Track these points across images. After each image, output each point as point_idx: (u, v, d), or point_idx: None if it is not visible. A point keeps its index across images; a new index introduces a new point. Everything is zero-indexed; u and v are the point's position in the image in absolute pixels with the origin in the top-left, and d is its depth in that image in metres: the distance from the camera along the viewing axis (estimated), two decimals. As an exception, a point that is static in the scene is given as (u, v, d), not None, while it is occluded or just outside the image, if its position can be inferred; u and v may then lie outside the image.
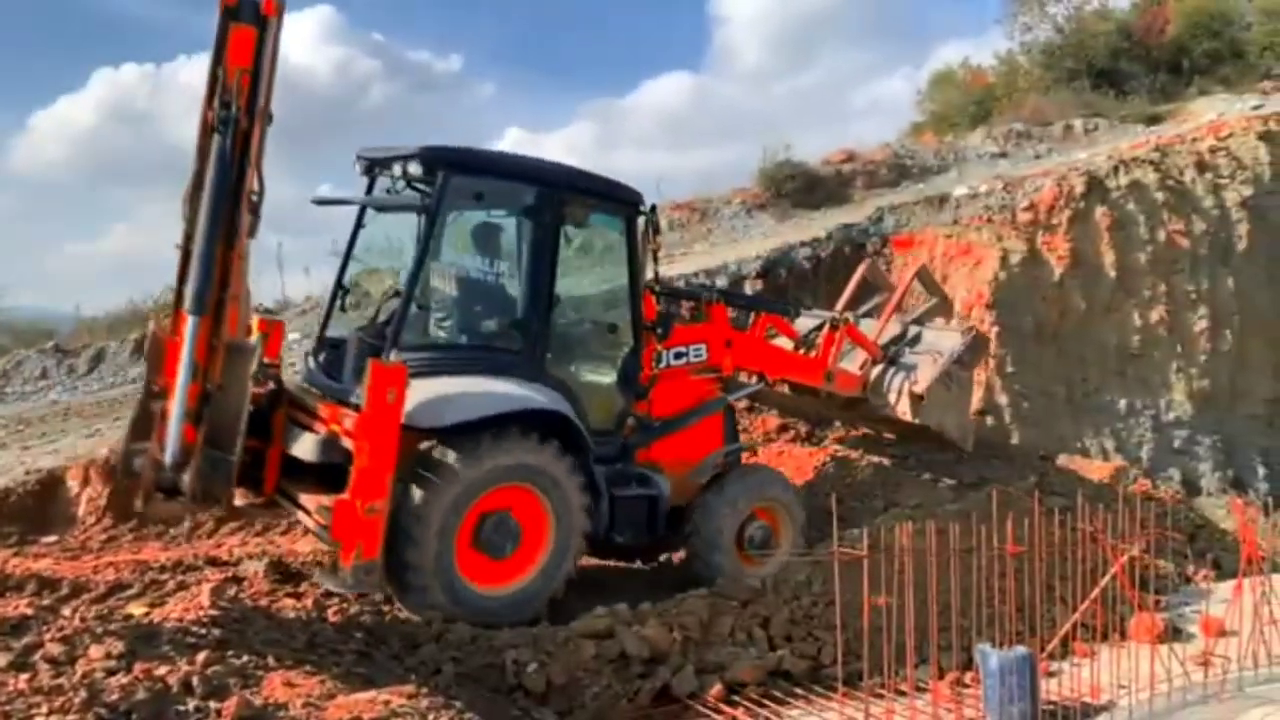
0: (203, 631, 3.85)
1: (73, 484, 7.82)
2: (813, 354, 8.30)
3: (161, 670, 3.06)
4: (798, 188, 15.56)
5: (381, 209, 6.57)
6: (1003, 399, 11.56)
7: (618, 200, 6.69)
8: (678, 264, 12.99)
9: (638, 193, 6.77)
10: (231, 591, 4.86)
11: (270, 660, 3.75)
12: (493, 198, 6.45)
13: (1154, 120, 17.56)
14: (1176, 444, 12.56)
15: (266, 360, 6.47)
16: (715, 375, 7.38)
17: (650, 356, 6.93)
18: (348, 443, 5.55)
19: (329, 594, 5.63)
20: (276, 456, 6.07)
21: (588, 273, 7.74)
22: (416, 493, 5.63)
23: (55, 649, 3.08)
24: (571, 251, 7.14)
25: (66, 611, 3.48)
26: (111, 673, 2.99)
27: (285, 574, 6.28)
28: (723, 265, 12.01)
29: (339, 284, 6.74)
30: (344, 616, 4.88)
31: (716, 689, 5.29)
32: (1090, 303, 12.39)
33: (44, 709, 2.69)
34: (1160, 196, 12.97)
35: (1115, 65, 20.67)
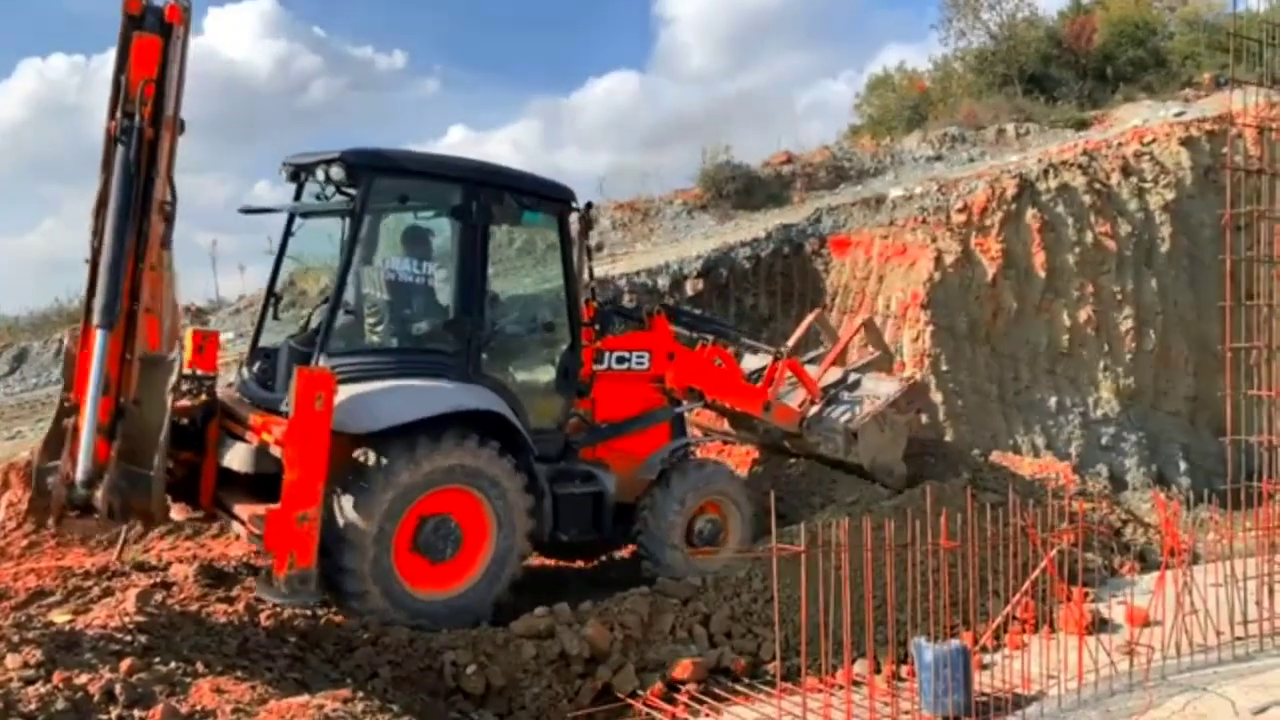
0: (128, 638, 3.73)
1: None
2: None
3: (83, 679, 2.95)
4: (738, 189, 15.69)
5: (307, 215, 6.46)
6: (937, 397, 11.78)
7: (549, 198, 6.63)
8: (620, 263, 13.01)
9: (569, 190, 6.73)
10: (159, 597, 4.72)
11: (199, 666, 3.66)
12: (418, 199, 6.38)
13: (1082, 125, 18.07)
14: (1104, 440, 12.94)
15: (201, 372, 6.32)
16: (660, 385, 7.39)
17: (590, 355, 6.91)
18: (278, 452, 5.43)
19: (260, 599, 5.50)
20: (211, 469, 5.95)
21: (522, 272, 7.72)
22: (351, 499, 5.54)
23: (-31, 659, 2.95)
24: (505, 250, 7.12)
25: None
26: (29, 682, 2.88)
27: (217, 578, 6.12)
28: (664, 265, 12.05)
29: (270, 292, 6.63)
30: (277, 621, 4.77)
31: (657, 687, 5.30)
32: (1021, 302, 12.70)
33: (-44, 721, 2.58)
34: (1088, 199, 13.34)
35: (1046, 71, 21.23)
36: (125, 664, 3.21)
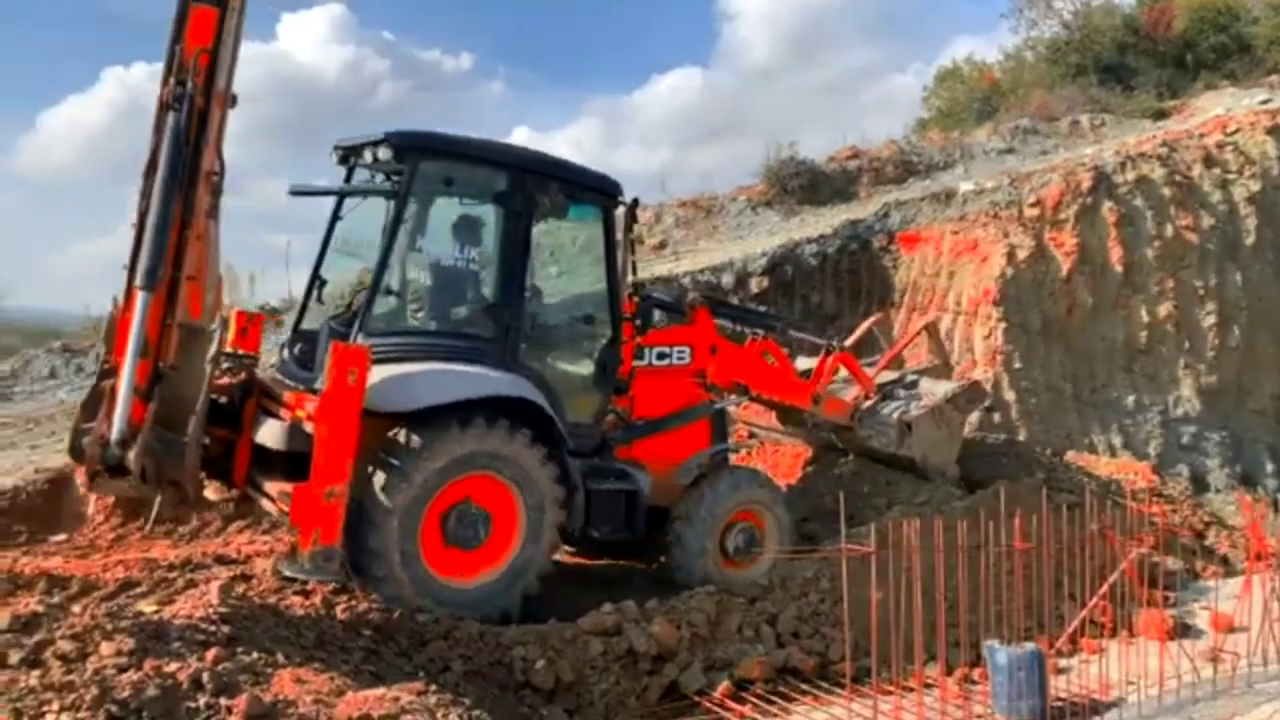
0: (212, 629, 3.85)
1: (81, 483, 7.82)
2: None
3: (172, 667, 3.06)
4: (803, 185, 15.54)
5: (352, 196, 6.46)
6: (1009, 395, 11.53)
7: (595, 190, 6.60)
8: (683, 261, 12.99)
9: (616, 183, 6.69)
10: (240, 589, 4.85)
11: (279, 657, 3.75)
12: (463, 183, 6.33)
13: (1161, 115, 17.49)
14: (1185, 440, 12.52)
15: (242, 352, 6.41)
16: (701, 381, 7.28)
17: (630, 352, 6.83)
18: (310, 428, 5.45)
19: (337, 591, 5.62)
20: (246, 448, 5.99)
21: (565, 263, 7.55)
22: (381, 479, 5.53)
23: (66, 646, 3.08)
24: (548, 241, 7.07)
25: (77, 609, 3.49)
26: (122, 669, 3.00)
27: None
28: (728, 262, 12.00)
29: (315, 276, 6.62)
30: (352, 614, 4.87)
31: (724, 686, 5.31)
32: (1097, 298, 12.35)
33: (55, 705, 2.70)
34: (1168, 192, 12.92)
35: (1122, 60, 20.59)
36: (211, 654, 3.32)
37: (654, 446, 6.95)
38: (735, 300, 11.25)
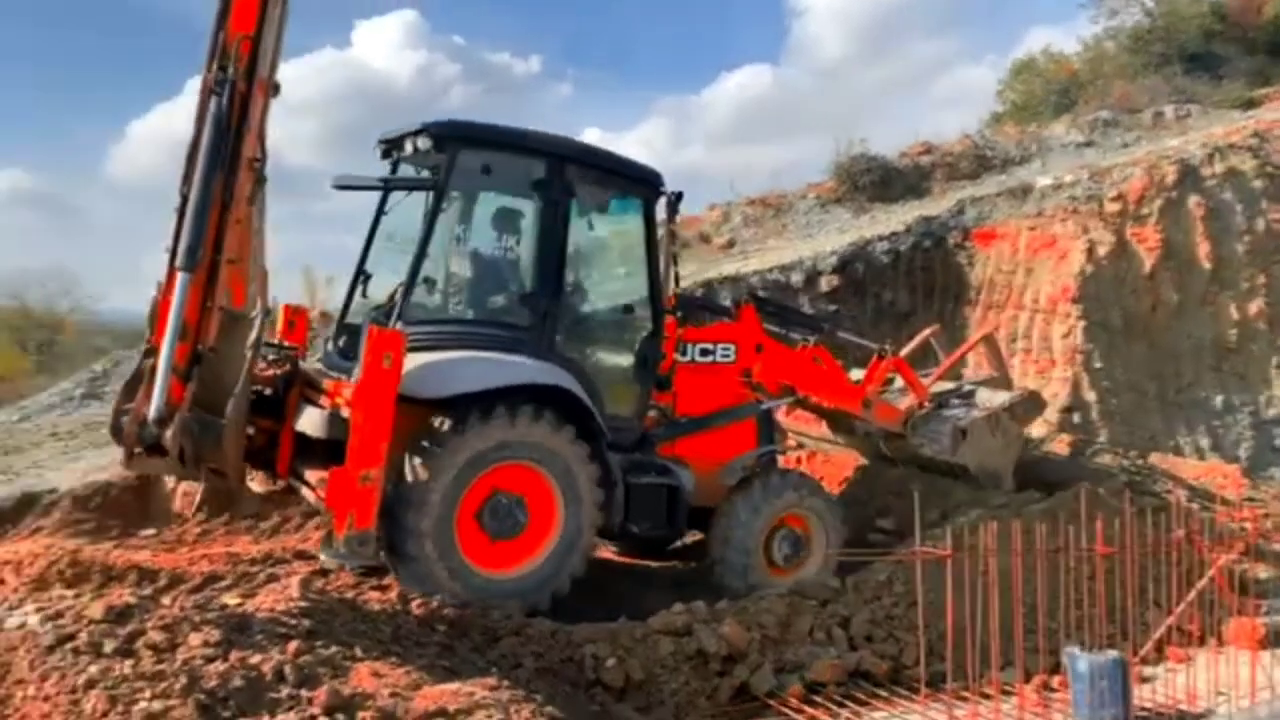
0: (293, 622, 3.96)
1: (169, 480, 8.12)
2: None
3: (256, 659, 3.16)
4: (874, 181, 15.33)
5: (395, 190, 6.43)
6: (1090, 395, 11.21)
7: (636, 180, 6.54)
8: (752, 260, 12.93)
9: (657, 174, 6.61)
10: (319, 584, 4.98)
11: (357, 651, 3.84)
12: (502, 172, 6.30)
13: (1251, 105, 16.83)
14: (1277, 442, 12.03)
15: (287, 344, 6.49)
16: (747, 380, 7.16)
17: (672, 347, 6.75)
18: (348, 414, 5.49)
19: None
20: (289, 437, 6.05)
21: (606, 254, 7.32)
22: (417, 464, 5.53)
23: (157, 636, 3.20)
24: (588, 230, 6.90)
25: (166, 601, 3.61)
26: (210, 660, 3.10)
27: (370, 567, 6.41)
28: (798, 261, 11.90)
29: (360, 270, 6.58)
30: (427, 610, 4.96)
31: (795, 688, 5.26)
32: (1183, 295, 11.93)
33: (147, 694, 2.80)
34: (1259, 184, 12.41)
35: (1208, 48, 19.86)
36: (292, 646, 3.41)
37: (698, 445, 6.86)
38: (804, 300, 11.16)
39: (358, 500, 5.27)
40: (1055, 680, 5.27)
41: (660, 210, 6.65)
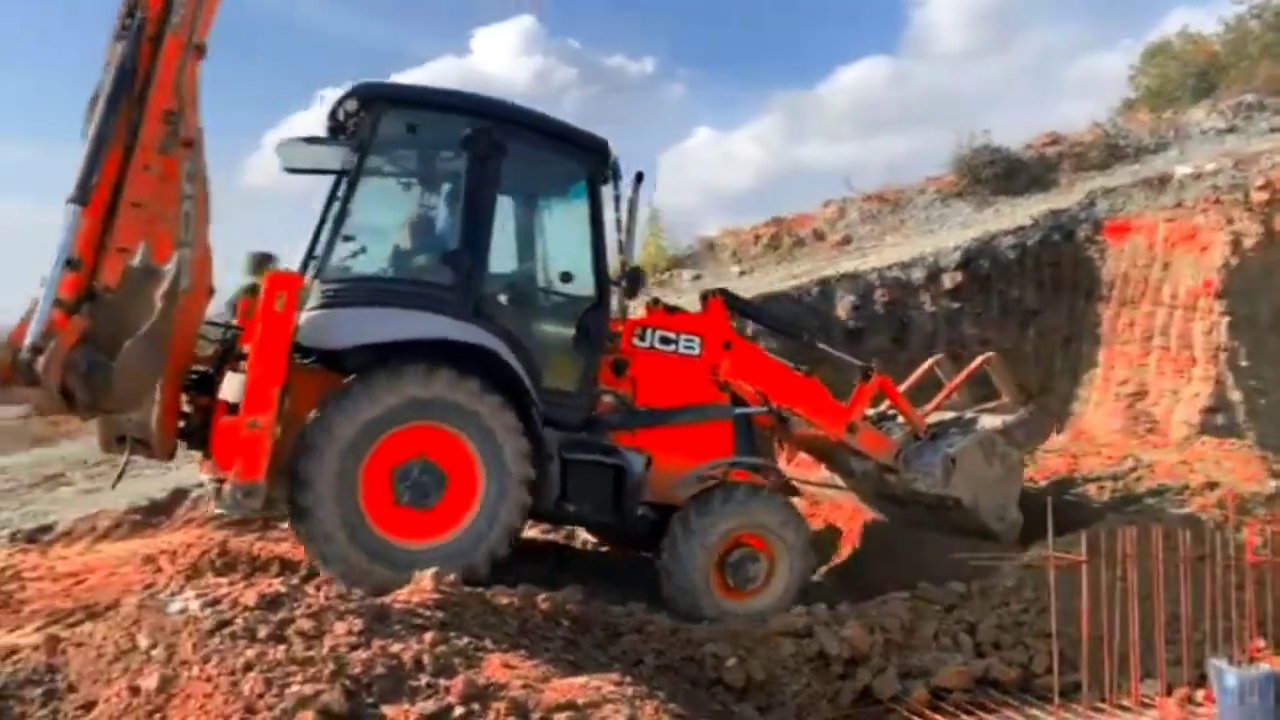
0: (427, 613, 4.11)
1: None
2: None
3: (396, 648, 3.31)
4: (997, 173, 14.88)
5: (327, 171, 6.20)
6: (1235, 395, 10.62)
7: (578, 146, 6.28)
8: (870, 257, 12.72)
9: (602, 140, 6.34)
10: (451, 577, 5.15)
11: (487, 643, 3.96)
12: (429, 131, 6.14)
13: None
14: None
15: (235, 324, 6.28)
16: (716, 380, 6.73)
17: (630, 330, 6.49)
18: None
19: (536, 582, 5.87)
20: (222, 410, 5.74)
21: (545, 221, 6.98)
22: (319, 416, 5.31)
23: (305, 624, 3.39)
24: (523, 195, 6.74)
25: (311, 589, 3.81)
26: (354, 647, 3.26)
27: (497, 563, 6.59)
28: (919, 257, 11.65)
29: (313, 245, 6.34)
30: (552, 604, 5.08)
31: (921, 693, 5.17)
32: (1339, 288, 11.18)
33: (299, 677, 2.97)
34: None
35: (1366, 24, 18.52)
36: (428, 637, 3.55)
37: (664, 440, 6.46)
38: (927, 297, 10.92)
39: (244, 448, 5.10)
40: (1200, 694, 5.03)
41: (627, 184, 6.33)
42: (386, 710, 2.93)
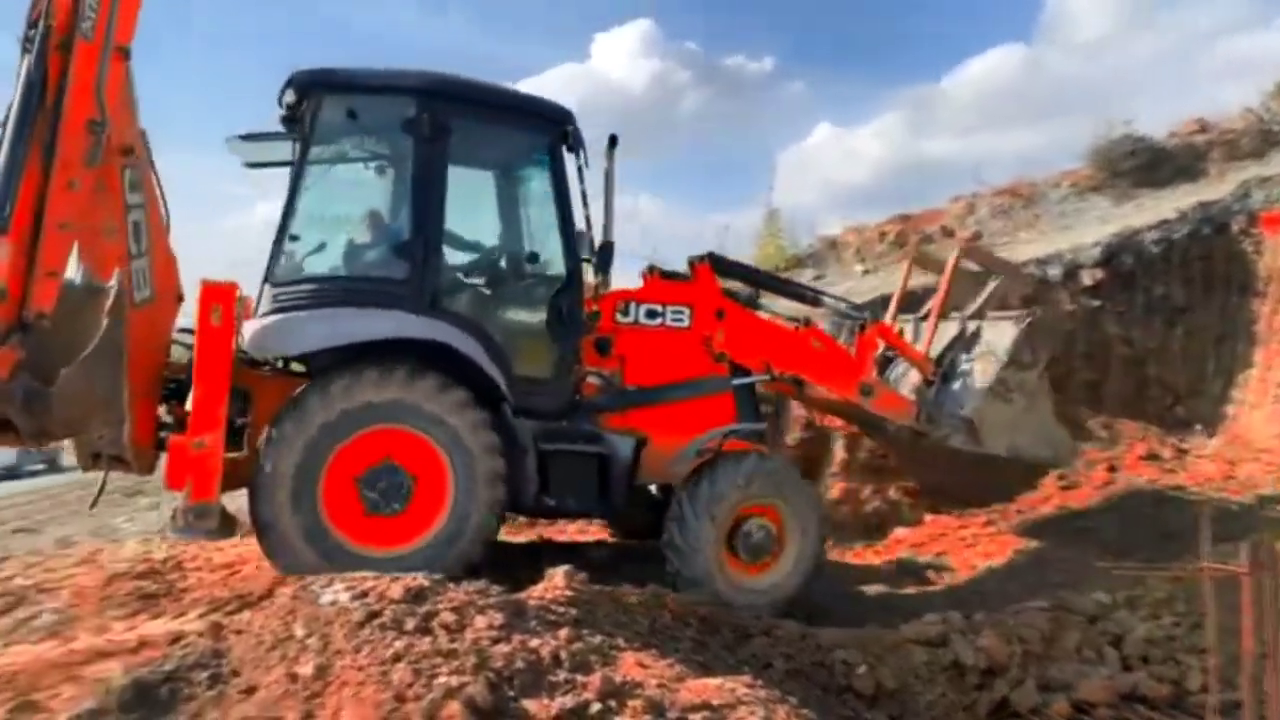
0: (561, 610, 4.20)
1: None
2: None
3: (534, 643, 3.39)
4: (1139, 165, 14.15)
5: (268, 143, 5.98)
6: None
7: (533, 115, 5.92)
8: (1001, 254, 12.28)
9: (560, 108, 5.97)
10: (581, 575, 5.25)
11: (619, 641, 4.02)
12: (371, 116, 5.80)
13: None
14: None
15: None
16: (711, 350, 6.36)
17: (612, 305, 6.17)
18: None
19: (664, 581, 5.91)
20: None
21: (506, 200, 6.64)
22: (274, 428, 5.18)
23: (449, 617, 3.51)
24: (479, 174, 6.44)
25: (453, 584, 3.94)
26: (494, 641, 3.37)
27: (629, 559, 6.67)
28: (1055, 254, 11.20)
29: (278, 243, 5.97)
30: (680, 605, 5.12)
31: (1061, 706, 4.98)
32: None
33: (444, 669, 3.08)
34: None
35: None
36: (563, 633, 3.63)
37: (660, 419, 6.16)
38: (1065, 295, 10.48)
39: (194, 469, 4.99)
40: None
41: (606, 155, 5.96)
42: (527, 704, 3.01)
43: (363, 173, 6.08)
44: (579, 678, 3.21)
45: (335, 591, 3.79)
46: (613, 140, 6.01)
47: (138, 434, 5.20)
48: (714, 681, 3.49)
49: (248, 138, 5.90)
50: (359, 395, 5.23)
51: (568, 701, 3.02)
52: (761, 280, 7.02)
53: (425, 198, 5.59)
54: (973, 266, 7.63)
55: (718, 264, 6.49)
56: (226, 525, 5.35)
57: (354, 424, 5.23)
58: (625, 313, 6.18)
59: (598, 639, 3.82)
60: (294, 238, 5.65)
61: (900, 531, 8.78)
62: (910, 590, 7.27)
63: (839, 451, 8.90)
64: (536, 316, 5.96)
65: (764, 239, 16.49)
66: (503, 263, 6.28)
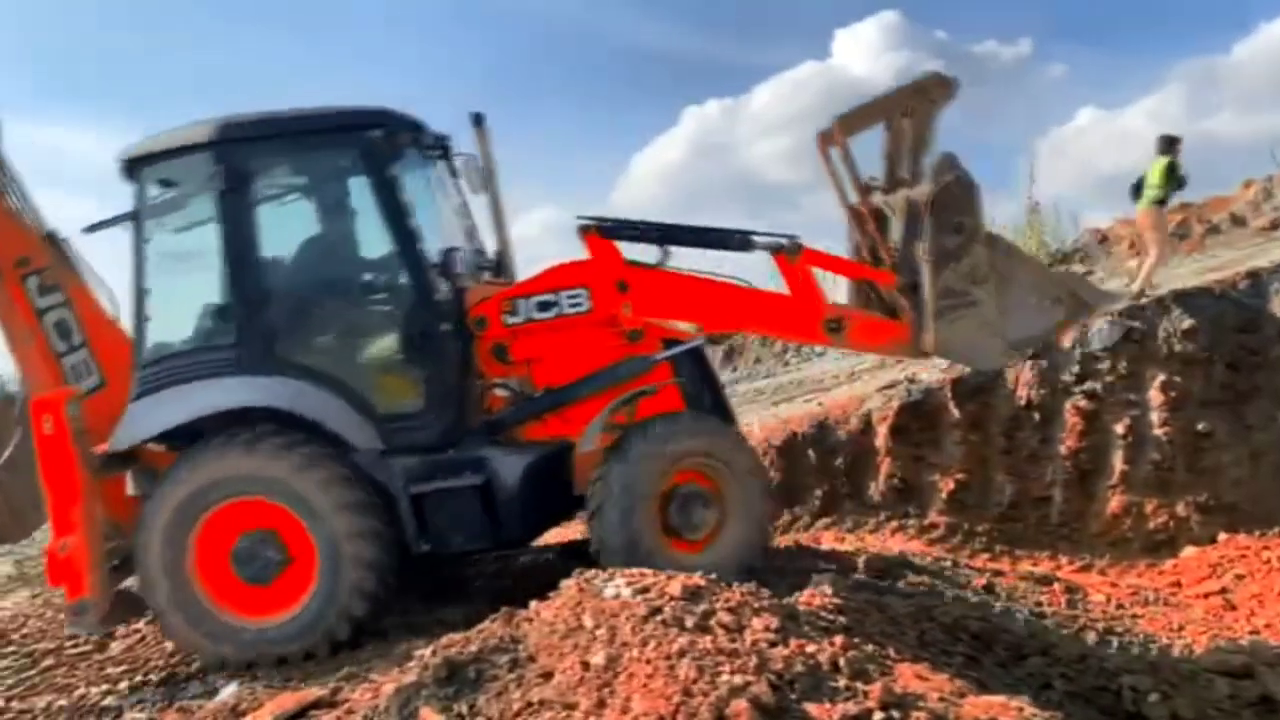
0: (830, 618, 4.22)
1: None
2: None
3: (812, 648, 3.43)
4: None
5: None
6: None
7: (334, 130, 5.53)
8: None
9: (370, 112, 5.50)
10: (848, 582, 5.23)
11: (890, 652, 3.99)
12: (183, 179, 5.67)
13: None
14: None
15: None
16: (622, 329, 5.65)
17: (497, 308, 5.56)
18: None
19: (931, 591, 5.76)
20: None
21: (329, 228, 6.11)
22: (138, 518, 5.36)
23: (725, 617, 3.62)
24: (293, 209, 6.03)
25: (726, 585, 4.05)
26: (772, 644, 3.43)
27: (883, 572, 6.58)
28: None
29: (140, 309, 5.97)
30: (951, 618, 4.99)
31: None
32: None
33: (727, 667, 3.18)
34: None
35: None
36: (838, 640, 3.64)
37: (584, 419, 5.51)
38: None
39: (65, 571, 5.24)
40: None
41: (446, 159, 5.78)
42: (809, 707, 3.05)
43: (194, 239, 5.82)
44: (859, 685, 3.21)
45: (616, 585, 4.00)
46: (476, 119, 5.70)
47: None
48: (998, 699, 3.39)
49: (92, 229, 5.98)
50: (205, 472, 5.27)
51: (850, 708, 3.03)
52: (665, 234, 5.81)
53: (236, 252, 5.46)
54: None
55: (606, 230, 5.65)
56: (129, 607, 5.66)
57: (206, 500, 5.29)
58: (513, 312, 5.60)
59: (870, 648, 3.80)
60: (146, 319, 5.69)
61: (1189, 551, 8.06)
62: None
63: (1117, 463, 8.29)
64: (391, 345, 5.67)
65: (1025, 233, 15.65)
66: (344, 294, 5.87)
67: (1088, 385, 8.52)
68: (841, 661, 3.35)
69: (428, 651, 3.93)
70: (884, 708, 3.06)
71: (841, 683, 3.22)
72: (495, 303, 5.61)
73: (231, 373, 5.39)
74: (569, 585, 4.18)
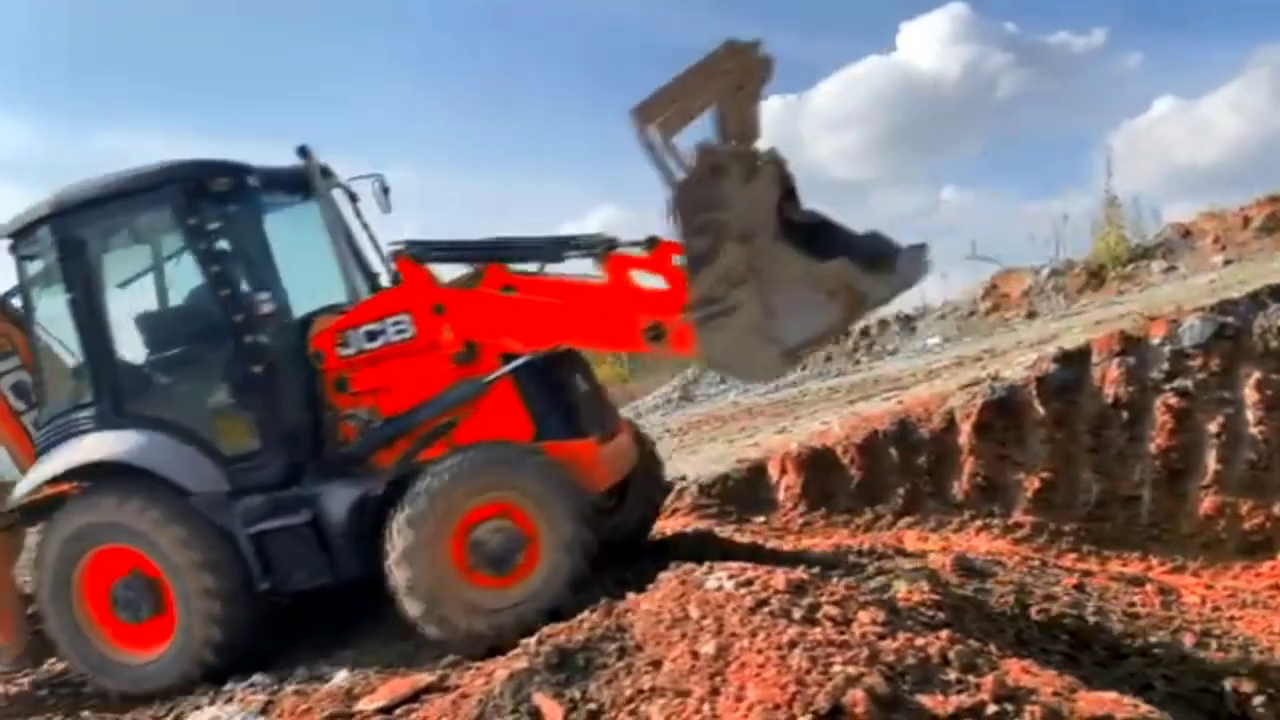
0: (930, 614, 4.25)
1: (773, 473, 9.10)
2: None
3: (920, 642, 3.46)
4: None
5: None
6: None
7: (149, 189, 5.70)
8: None
9: (178, 166, 5.69)
10: (946, 580, 5.23)
11: (991, 648, 3.99)
12: (42, 252, 6.03)
13: None
14: None
15: None
16: (451, 353, 5.48)
17: (331, 342, 5.59)
18: None
19: (1023, 590, 5.72)
20: None
21: (159, 283, 6.45)
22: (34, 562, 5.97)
23: (832, 610, 3.67)
24: (123, 271, 6.37)
25: (832, 578, 4.11)
26: (881, 637, 3.47)
27: (969, 570, 6.54)
28: None
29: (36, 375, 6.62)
30: (1047, 616, 4.97)
31: None
32: None
33: (838, 659, 3.23)
34: None
35: None
36: (944, 635, 3.66)
37: (441, 445, 5.43)
38: None
39: None
40: None
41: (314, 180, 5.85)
42: (922, 699, 3.09)
43: (62, 307, 6.12)
44: (970, 678, 3.24)
45: (718, 578, 4.07)
46: (301, 151, 5.83)
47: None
48: (1110, 695, 3.39)
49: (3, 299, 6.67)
50: (71, 523, 5.78)
51: (964, 700, 3.06)
52: (473, 252, 5.79)
53: (83, 315, 5.89)
54: None
55: (416, 253, 5.56)
56: (46, 647, 6.36)
57: (77, 550, 5.76)
58: (345, 344, 5.60)
59: (972, 644, 3.82)
60: (40, 385, 6.32)
61: (1289, 554, 7.84)
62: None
63: (1211, 462, 8.10)
64: (222, 389, 5.91)
65: (1103, 229, 15.34)
66: (180, 344, 5.99)
67: (1178, 383, 8.34)
68: (951, 655, 3.38)
69: (533, 640, 4.05)
70: (997, 700, 3.08)
71: (952, 675, 3.25)
72: (329, 335, 5.66)
73: (96, 429, 5.83)
74: (668, 577, 4.26)
